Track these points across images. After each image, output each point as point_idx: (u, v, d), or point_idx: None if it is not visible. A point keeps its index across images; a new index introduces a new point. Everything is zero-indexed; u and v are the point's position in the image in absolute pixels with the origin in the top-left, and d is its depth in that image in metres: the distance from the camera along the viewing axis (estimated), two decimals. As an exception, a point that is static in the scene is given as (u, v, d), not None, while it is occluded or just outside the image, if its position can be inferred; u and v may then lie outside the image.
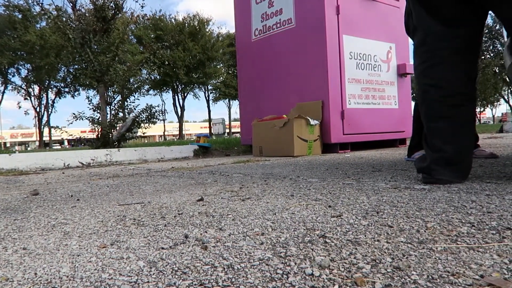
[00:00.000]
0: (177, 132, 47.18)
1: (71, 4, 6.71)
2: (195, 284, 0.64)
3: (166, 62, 34.18)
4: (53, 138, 38.81)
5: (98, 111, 6.53)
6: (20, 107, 34.68)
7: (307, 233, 0.91)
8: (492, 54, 29.72)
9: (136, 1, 8.09)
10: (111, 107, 6.93)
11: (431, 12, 1.61)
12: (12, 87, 33.53)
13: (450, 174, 1.53)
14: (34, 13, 28.29)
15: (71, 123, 6.47)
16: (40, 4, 6.46)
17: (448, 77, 1.57)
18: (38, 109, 34.57)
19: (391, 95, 4.68)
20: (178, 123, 42.76)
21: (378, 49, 4.53)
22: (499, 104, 54.05)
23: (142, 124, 6.54)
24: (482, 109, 52.81)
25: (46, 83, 33.78)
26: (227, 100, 44.73)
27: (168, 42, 34.30)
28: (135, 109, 6.87)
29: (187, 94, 40.16)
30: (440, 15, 1.60)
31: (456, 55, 1.58)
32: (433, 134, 1.60)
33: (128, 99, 7.27)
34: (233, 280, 0.65)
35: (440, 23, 1.59)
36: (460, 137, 1.56)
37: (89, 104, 6.51)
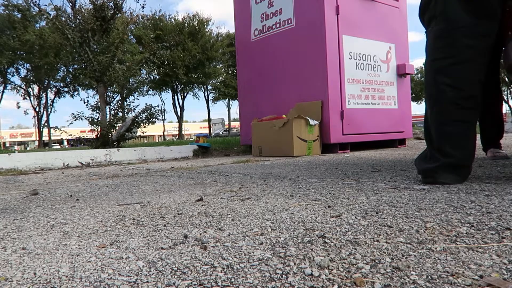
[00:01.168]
0: (177, 132, 47.16)
1: (70, 4, 6.69)
2: (194, 284, 0.64)
3: (166, 62, 34.16)
4: (52, 137, 38.76)
5: (98, 111, 6.52)
6: (19, 107, 34.70)
7: (306, 233, 0.91)
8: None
9: (136, 1, 8.07)
10: (111, 107, 6.91)
11: None
12: (11, 87, 33.53)
13: (454, 178, 1.52)
14: (33, 12, 28.27)
15: (71, 123, 6.45)
16: (37, 5, 6.43)
17: (469, 78, 1.48)
18: (37, 109, 34.55)
19: (391, 96, 4.68)
20: (177, 123, 42.74)
21: (377, 49, 4.53)
22: (498, 105, 54.04)
23: (141, 124, 6.53)
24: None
25: (46, 83, 33.74)
26: (226, 100, 44.72)
27: (167, 42, 34.28)
28: (134, 109, 6.86)
29: (186, 94, 40.15)
30: (474, 4, 1.43)
31: (481, 56, 1.48)
32: (443, 137, 1.52)
33: (127, 99, 7.25)
34: (233, 280, 0.64)
35: (472, 14, 1.44)
36: (469, 142, 1.52)
37: (86, 105, 6.50)
